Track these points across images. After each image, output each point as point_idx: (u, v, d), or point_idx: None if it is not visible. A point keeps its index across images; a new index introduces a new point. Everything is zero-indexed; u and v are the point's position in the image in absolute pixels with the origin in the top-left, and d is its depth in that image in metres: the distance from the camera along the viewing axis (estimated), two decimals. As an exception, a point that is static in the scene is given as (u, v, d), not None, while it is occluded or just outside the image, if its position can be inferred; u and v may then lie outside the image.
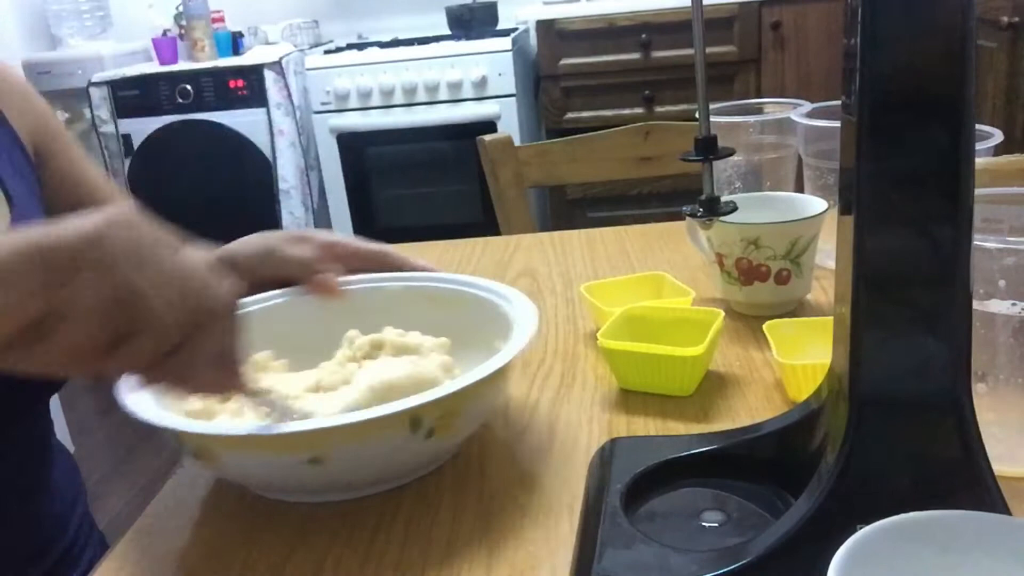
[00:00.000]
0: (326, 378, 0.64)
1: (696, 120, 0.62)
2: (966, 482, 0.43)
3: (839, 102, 0.44)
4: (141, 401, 0.55)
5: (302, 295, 0.73)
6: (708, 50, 0.83)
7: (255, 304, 0.72)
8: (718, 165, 0.69)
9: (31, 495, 0.73)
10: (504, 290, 0.69)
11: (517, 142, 1.46)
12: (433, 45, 2.84)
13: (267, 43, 3.12)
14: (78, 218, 0.45)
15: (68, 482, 0.80)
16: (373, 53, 2.85)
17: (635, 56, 2.73)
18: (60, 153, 0.80)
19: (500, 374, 0.57)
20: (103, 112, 2.85)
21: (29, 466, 0.74)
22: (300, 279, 0.72)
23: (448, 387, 0.55)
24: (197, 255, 0.48)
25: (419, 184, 2.93)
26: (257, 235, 0.75)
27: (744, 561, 0.44)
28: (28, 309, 0.42)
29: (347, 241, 0.76)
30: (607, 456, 0.57)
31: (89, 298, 0.43)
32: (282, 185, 2.84)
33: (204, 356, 0.48)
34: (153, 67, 2.92)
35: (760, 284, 0.79)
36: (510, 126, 2.73)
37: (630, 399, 0.69)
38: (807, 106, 0.93)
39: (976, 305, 0.50)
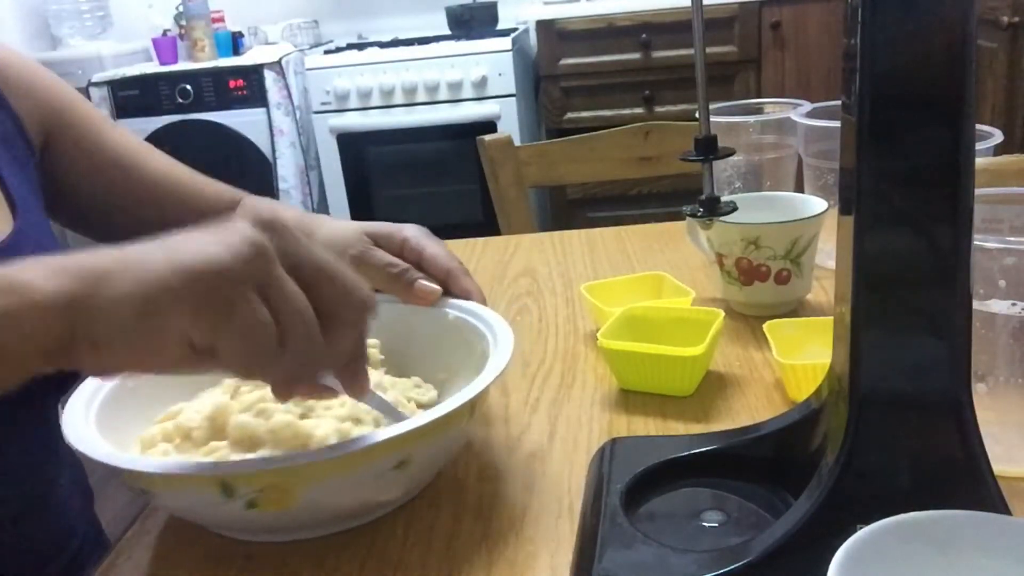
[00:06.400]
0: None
1: (696, 120, 0.62)
2: (966, 482, 0.43)
3: (839, 102, 0.44)
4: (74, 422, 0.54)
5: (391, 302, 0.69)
6: (708, 50, 0.83)
7: None
8: (718, 165, 0.69)
9: (37, 505, 0.73)
10: (502, 341, 0.60)
11: (517, 142, 1.46)
12: (433, 45, 2.84)
13: (267, 43, 3.12)
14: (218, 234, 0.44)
15: (75, 491, 0.79)
16: (373, 53, 2.85)
17: (635, 56, 2.73)
18: (76, 123, 0.78)
19: (349, 459, 0.49)
20: (103, 112, 2.85)
21: (35, 476, 0.73)
22: (388, 288, 0.68)
23: (258, 461, 0.50)
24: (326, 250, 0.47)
25: (419, 184, 2.93)
26: (339, 238, 0.70)
27: (744, 561, 0.44)
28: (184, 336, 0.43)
29: (415, 243, 0.70)
30: (607, 456, 0.57)
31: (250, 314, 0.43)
32: (282, 185, 2.84)
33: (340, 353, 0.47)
34: (153, 67, 2.92)
35: (760, 284, 0.79)
36: (510, 126, 2.73)
37: (630, 399, 0.69)
38: (807, 106, 0.93)
39: (976, 305, 0.50)
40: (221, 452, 0.54)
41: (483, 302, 0.67)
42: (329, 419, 0.56)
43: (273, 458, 0.51)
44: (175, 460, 0.54)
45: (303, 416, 0.56)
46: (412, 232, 0.70)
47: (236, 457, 0.54)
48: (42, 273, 0.43)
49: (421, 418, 0.51)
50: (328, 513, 0.54)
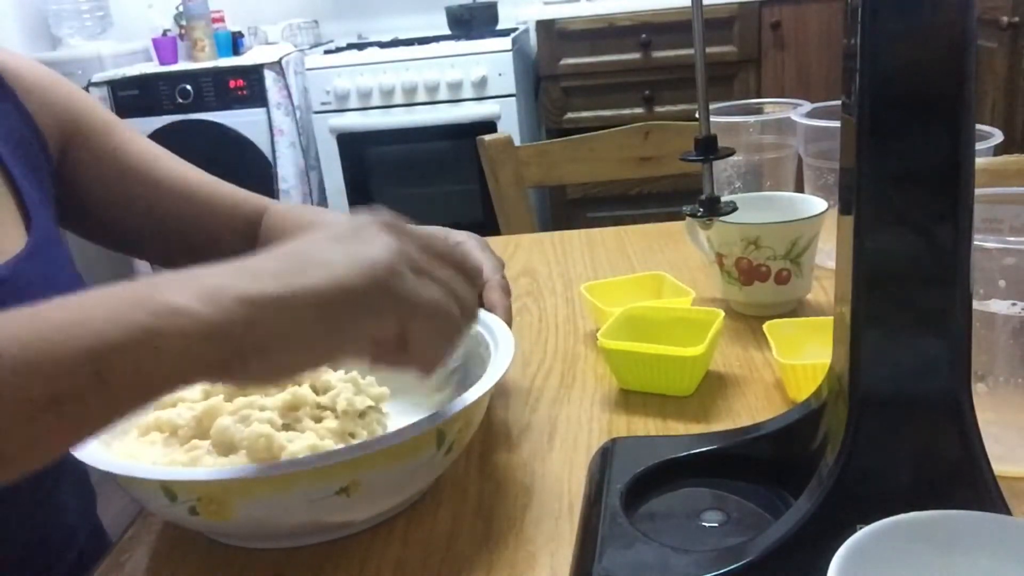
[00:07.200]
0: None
1: (696, 120, 0.62)
2: (966, 482, 0.43)
3: (839, 102, 0.44)
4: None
5: None
6: (708, 50, 0.83)
7: None
8: (718, 165, 0.69)
9: (40, 506, 0.73)
10: (494, 365, 0.58)
11: (517, 142, 1.46)
12: (433, 45, 2.84)
13: (267, 43, 3.12)
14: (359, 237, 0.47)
15: (78, 495, 0.79)
16: (373, 53, 2.85)
17: (635, 56, 2.73)
18: (93, 130, 0.78)
19: (271, 482, 0.48)
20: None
21: (37, 481, 0.73)
22: None
23: (191, 471, 0.51)
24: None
25: (419, 184, 2.93)
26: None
27: (744, 561, 0.44)
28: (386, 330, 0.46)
29: (469, 248, 0.70)
30: (607, 456, 0.57)
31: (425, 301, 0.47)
32: (282, 185, 2.83)
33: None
34: (153, 67, 2.92)
35: (760, 284, 0.79)
36: (510, 126, 2.73)
37: (630, 399, 0.69)
38: (807, 106, 0.93)
39: (976, 305, 0.50)
40: (198, 452, 0.55)
41: (507, 318, 0.66)
42: (309, 434, 0.55)
43: (203, 470, 0.52)
44: (129, 461, 0.54)
45: (288, 427, 0.56)
46: (464, 238, 0.72)
47: (211, 459, 0.54)
48: (191, 295, 0.42)
49: (359, 447, 0.49)
50: (275, 528, 0.52)
